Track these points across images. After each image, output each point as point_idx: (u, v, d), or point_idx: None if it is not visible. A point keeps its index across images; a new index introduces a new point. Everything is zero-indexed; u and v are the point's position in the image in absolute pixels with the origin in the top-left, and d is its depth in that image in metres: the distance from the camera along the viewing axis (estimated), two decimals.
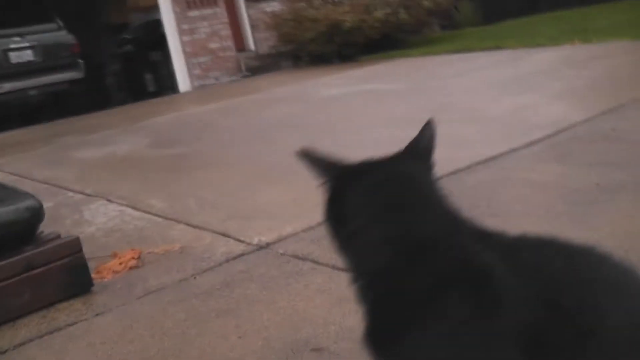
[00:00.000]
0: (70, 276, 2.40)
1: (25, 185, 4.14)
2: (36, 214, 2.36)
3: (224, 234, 2.91)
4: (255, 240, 2.78)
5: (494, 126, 4.21)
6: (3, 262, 2.23)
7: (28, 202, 2.35)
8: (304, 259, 2.51)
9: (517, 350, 0.84)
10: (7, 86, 8.17)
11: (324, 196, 1.04)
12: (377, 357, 0.96)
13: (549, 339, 0.84)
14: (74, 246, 2.44)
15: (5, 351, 2.08)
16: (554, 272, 0.88)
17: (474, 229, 0.97)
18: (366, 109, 5.67)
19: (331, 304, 2.10)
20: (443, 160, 3.23)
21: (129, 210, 3.51)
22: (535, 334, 0.84)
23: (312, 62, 9.81)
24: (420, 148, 1.07)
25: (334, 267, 2.39)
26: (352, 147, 4.12)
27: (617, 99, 4.29)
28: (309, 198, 3.38)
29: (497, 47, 8.05)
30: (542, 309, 0.85)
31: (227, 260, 2.62)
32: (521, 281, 0.87)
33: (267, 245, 2.72)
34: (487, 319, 0.86)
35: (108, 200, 3.79)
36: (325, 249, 2.54)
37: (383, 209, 0.96)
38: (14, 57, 8.30)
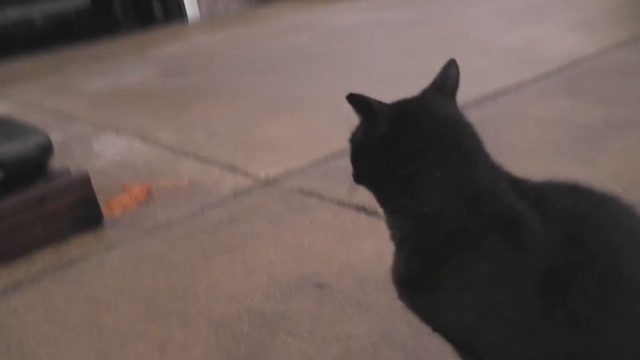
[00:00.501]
0: (81, 211, 2.46)
1: (35, 116, 4.18)
2: (45, 150, 2.40)
3: (231, 168, 2.96)
4: (262, 175, 2.82)
5: (505, 58, 4.16)
6: (16, 197, 2.29)
7: (37, 138, 2.39)
8: (309, 194, 2.56)
9: (541, 289, 0.90)
10: (12, 13, 8.10)
11: (370, 138, 1.03)
12: (415, 299, 1.01)
13: (572, 279, 0.90)
14: (84, 181, 2.49)
15: (21, 283, 2.17)
16: (578, 217, 0.94)
17: (506, 175, 1.01)
18: (376, 40, 5.59)
19: (335, 240, 2.16)
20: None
21: (138, 143, 3.55)
22: (560, 274, 0.90)
23: None
24: (450, 87, 1.09)
25: (339, 203, 2.44)
26: (362, 80, 4.11)
27: (635, 29, 4.21)
28: (316, 131, 3.42)
29: None
30: (567, 252, 0.91)
31: (235, 195, 2.67)
32: (549, 226, 0.93)
33: (274, 179, 2.76)
34: (519, 262, 0.92)
35: (117, 132, 3.82)
36: (331, 184, 2.59)
37: (442, 153, 0.97)
38: None
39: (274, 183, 2.73)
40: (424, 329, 1.59)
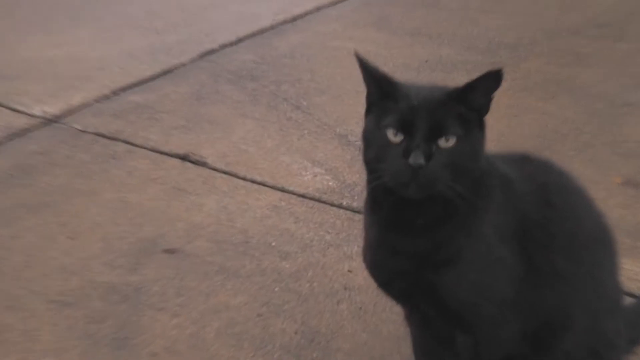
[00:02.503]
0: None
1: None
2: None
3: None
4: (38, 111, 2.75)
5: None
6: None
7: None
8: (113, 138, 2.57)
9: (525, 240, 1.20)
10: None
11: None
12: (435, 275, 1.20)
13: (551, 235, 1.22)
14: None
15: None
16: (542, 182, 1.26)
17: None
18: None
19: (168, 196, 2.24)
20: (243, 16, 3.38)
21: None
22: (540, 228, 1.21)
23: None
24: None
25: (153, 150, 2.50)
26: None
27: None
28: (85, 54, 3.34)
29: None
30: (542, 208, 1.23)
31: (10, 138, 2.56)
32: (526, 186, 1.23)
33: (56, 118, 2.71)
34: (512, 209, 1.21)
35: None
36: (134, 126, 2.64)
37: None
38: None
39: (57, 123, 2.68)
40: (309, 294, 1.82)
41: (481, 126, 1.17)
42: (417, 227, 1.18)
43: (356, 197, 2.21)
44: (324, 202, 2.22)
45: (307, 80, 3.06)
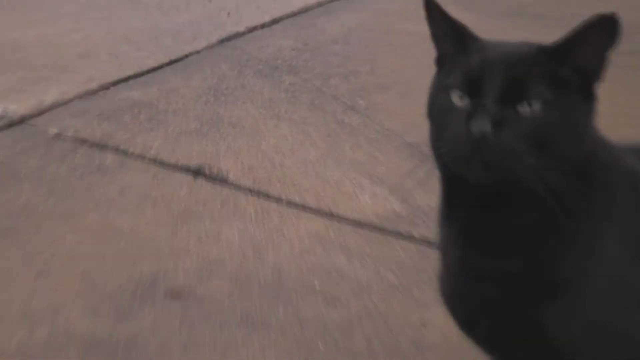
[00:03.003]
0: None
1: None
2: None
3: None
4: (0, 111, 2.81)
5: None
6: None
7: None
8: (100, 145, 2.61)
9: None
10: None
11: None
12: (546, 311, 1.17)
13: None
14: None
15: None
16: None
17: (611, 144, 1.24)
18: None
19: (174, 222, 2.25)
20: None
21: None
22: None
23: None
24: None
25: (157, 162, 2.52)
26: None
27: None
28: (70, 35, 3.40)
29: None
30: None
31: None
32: None
33: (23, 119, 2.77)
34: None
35: None
36: (131, 130, 2.67)
37: None
38: None
39: (24, 125, 2.75)
40: (365, 354, 1.80)
41: (588, 95, 1.12)
42: (507, 240, 1.16)
43: (432, 226, 2.18)
44: (387, 232, 2.22)
45: (365, 73, 3.09)
